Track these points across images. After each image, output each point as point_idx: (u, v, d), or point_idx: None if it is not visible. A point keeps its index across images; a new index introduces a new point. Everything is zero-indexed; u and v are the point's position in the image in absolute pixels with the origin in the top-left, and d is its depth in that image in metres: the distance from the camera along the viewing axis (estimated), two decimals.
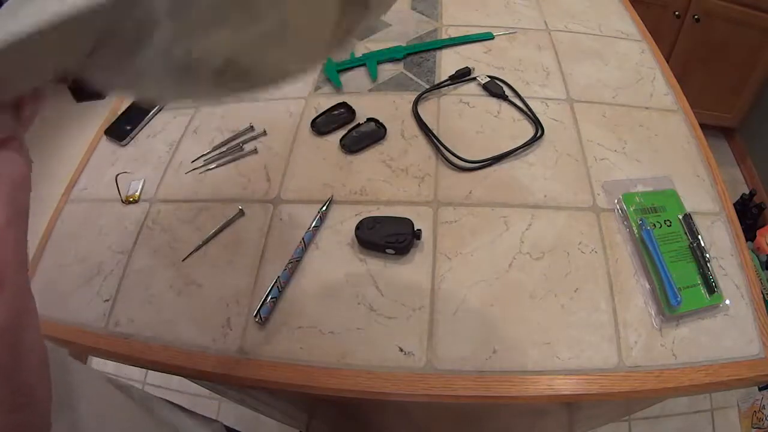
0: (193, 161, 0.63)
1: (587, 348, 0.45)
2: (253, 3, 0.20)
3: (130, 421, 0.35)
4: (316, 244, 0.53)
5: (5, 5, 0.18)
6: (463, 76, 0.69)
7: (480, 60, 0.72)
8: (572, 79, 0.69)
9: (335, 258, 0.52)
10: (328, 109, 0.66)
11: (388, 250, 0.51)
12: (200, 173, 0.62)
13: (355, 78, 0.72)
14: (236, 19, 0.20)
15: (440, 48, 0.74)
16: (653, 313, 0.47)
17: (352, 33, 0.26)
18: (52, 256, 0.57)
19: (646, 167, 0.58)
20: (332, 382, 0.44)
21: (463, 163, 0.58)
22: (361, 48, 0.77)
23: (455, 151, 0.59)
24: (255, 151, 0.63)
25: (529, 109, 0.64)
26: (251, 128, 0.66)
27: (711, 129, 1.91)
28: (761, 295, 0.48)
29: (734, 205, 0.84)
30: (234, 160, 0.63)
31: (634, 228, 0.51)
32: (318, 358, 0.46)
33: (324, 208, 0.55)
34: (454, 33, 0.78)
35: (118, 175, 0.63)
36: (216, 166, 0.62)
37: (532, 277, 0.49)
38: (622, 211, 0.53)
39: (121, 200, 0.60)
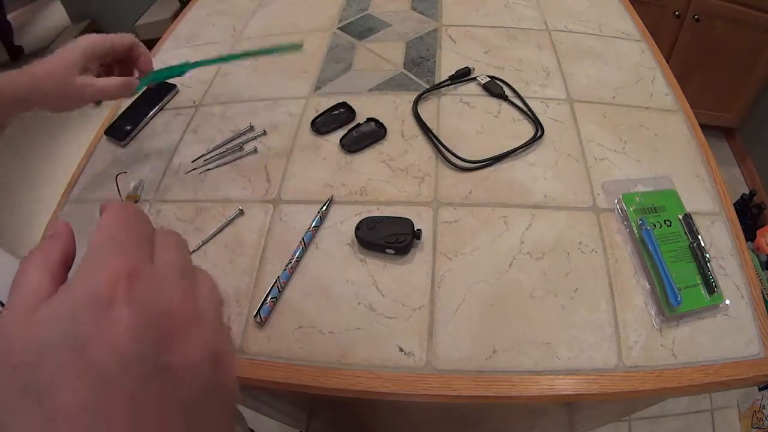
0: (193, 161, 0.63)
1: (587, 348, 0.45)
2: None
3: None
4: (316, 244, 0.53)
5: None
6: (463, 76, 0.69)
7: (480, 60, 0.72)
8: (572, 79, 0.69)
9: (335, 258, 0.52)
10: (328, 109, 0.66)
11: (388, 250, 0.51)
12: (200, 173, 0.62)
13: (355, 78, 0.72)
14: None
15: (225, 62, 0.64)
16: (653, 313, 0.47)
17: None
18: None
19: (646, 167, 0.58)
20: (332, 382, 0.44)
21: (463, 163, 0.58)
22: (363, 48, 0.77)
23: (455, 151, 0.59)
24: (255, 151, 0.63)
25: (529, 109, 0.64)
26: (251, 128, 0.66)
27: (711, 129, 1.91)
28: (761, 295, 0.48)
29: (734, 205, 0.84)
30: (234, 160, 0.63)
31: (634, 228, 0.51)
32: (318, 358, 0.46)
33: (324, 208, 0.55)
34: (454, 33, 0.78)
35: (118, 175, 0.63)
36: (216, 166, 0.62)
37: (532, 277, 0.49)
38: (622, 211, 0.53)
39: (121, 200, 0.60)
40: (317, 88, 0.71)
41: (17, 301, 0.18)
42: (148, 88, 0.74)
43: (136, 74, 0.58)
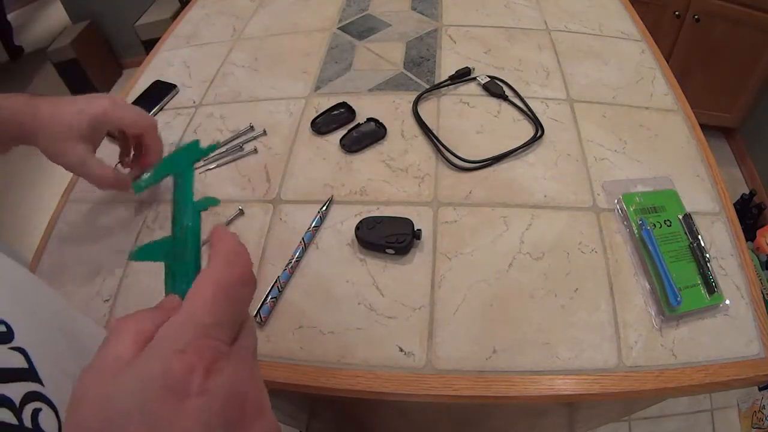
0: None
1: (587, 348, 0.45)
2: None
3: None
4: (316, 244, 0.53)
5: None
6: (463, 76, 0.69)
7: (480, 60, 0.72)
8: (572, 79, 0.69)
9: (335, 258, 0.52)
10: (328, 109, 0.66)
11: (388, 250, 0.51)
12: (200, 173, 0.62)
13: (355, 78, 0.72)
14: None
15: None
16: (653, 313, 0.47)
17: None
18: (52, 256, 0.57)
19: (646, 167, 0.58)
20: (332, 382, 0.44)
21: (463, 163, 0.58)
22: (362, 48, 0.77)
23: (455, 151, 0.59)
24: (255, 151, 0.63)
25: (529, 109, 0.64)
26: (251, 128, 0.66)
27: (711, 129, 1.92)
28: (761, 295, 0.48)
29: (734, 205, 0.84)
30: (234, 160, 0.63)
31: (634, 228, 0.51)
32: (318, 358, 0.46)
33: (324, 208, 0.55)
34: (454, 33, 0.78)
35: None
36: (216, 166, 0.62)
37: (532, 277, 0.49)
38: (622, 211, 0.53)
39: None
40: (317, 88, 0.71)
41: (100, 361, 0.19)
42: (150, 86, 0.75)
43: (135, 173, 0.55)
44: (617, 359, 0.44)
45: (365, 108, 0.66)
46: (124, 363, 0.19)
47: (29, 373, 0.22)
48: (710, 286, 0.47)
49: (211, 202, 0.29)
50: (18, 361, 0.22)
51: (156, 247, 0.32)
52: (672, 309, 0.46)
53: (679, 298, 0.45)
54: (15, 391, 0.21)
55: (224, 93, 0.72)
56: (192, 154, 0.31)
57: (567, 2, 0.83)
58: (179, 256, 0.30)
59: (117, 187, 0.52)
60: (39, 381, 0.22)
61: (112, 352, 0.19)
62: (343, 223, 0.55)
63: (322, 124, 0.64)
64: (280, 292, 0.49)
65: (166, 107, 0.72)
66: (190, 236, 0.30)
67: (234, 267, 0.22)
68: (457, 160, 0.59)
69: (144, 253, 0.31)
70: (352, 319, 0.48)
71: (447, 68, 0.71)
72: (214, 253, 0.22)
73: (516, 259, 0.51)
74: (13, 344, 0.22)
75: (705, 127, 0.62)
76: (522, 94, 0.66)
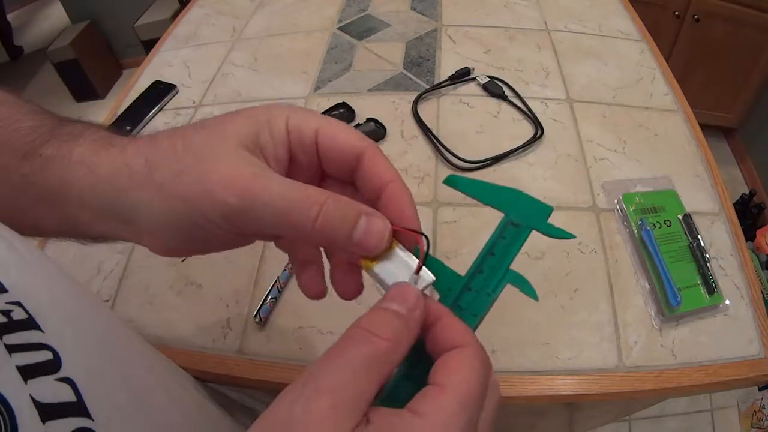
0: None
1: (587, 348, 0.45)
2: None
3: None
4: None
5: None
6: (462, 76, 0.69)
7: (480, 60, 0.72)
8: (572, 79, 0.69)
9: None
10: (328, 109, 0.66)
11: None
12: None
13: (355, 78, 0.72)
14: None
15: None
16: (653, 313, 0.47)
17: None
18: (52, 256, 0.57)
19: (646, 167, 0.58)
20: None
21: (463, 163, 0.58)
22: (362, 48, 0.77)
23: (455, 151, 0.59)
24: None
25: (529, 109, 0.64)
26: None
27: (711, 129, 1.92)
28: (761, 295, 0.48)
29: (734, 205, 0.84)
30: None
31: (634, 228, 0.51)
32: (317, 358, 0.46)
33: None
34: (453, 33, 0.78)
35: None
36: None
37: (532, 277, 0.49)
38: (621, 211, 0.53)
39: None
40: (317, 88, 0.71)
41: (333, 402, 0.17)
42: (150, 87, 0.75)
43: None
44: (617, 359, 0.44)
45: (365, 108, 0.66)
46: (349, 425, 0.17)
47: (78, 408, 0.20)
48: (710, 286, 0.47)
49: (525, 285, 0.23)
50: (66, 395, 0.20)
51: (447, 274, 0.24)
52: (672, 309, 0.46)
53: (678, 298, 0.45)
54: (61, 428, 0.19)
55: (224, 93, 0.72)
56: (539, 217, 0.22)
57: (567, 2, 0.83)
58: (461, 306, 0.25)
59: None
60: (88, 415, 0.20)
61: (342, 400, 0.17)
62: None
63: None
64: (280, 292, 0.49)
65: (165, 107, 0.72)
66: (483, 303, 0.25)
67: (485, 361, 0.23)
68: (457, 160, 0.59)
69: (435, 267, 0.23)
70: (352, 320, 0.47)
71: (447, 68, 0.71)
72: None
73: (515, 259, 0.50)
74: (61, 374, 0.20)
75: (705, 127, 0.62)
76: (522, 94, 0.66)
